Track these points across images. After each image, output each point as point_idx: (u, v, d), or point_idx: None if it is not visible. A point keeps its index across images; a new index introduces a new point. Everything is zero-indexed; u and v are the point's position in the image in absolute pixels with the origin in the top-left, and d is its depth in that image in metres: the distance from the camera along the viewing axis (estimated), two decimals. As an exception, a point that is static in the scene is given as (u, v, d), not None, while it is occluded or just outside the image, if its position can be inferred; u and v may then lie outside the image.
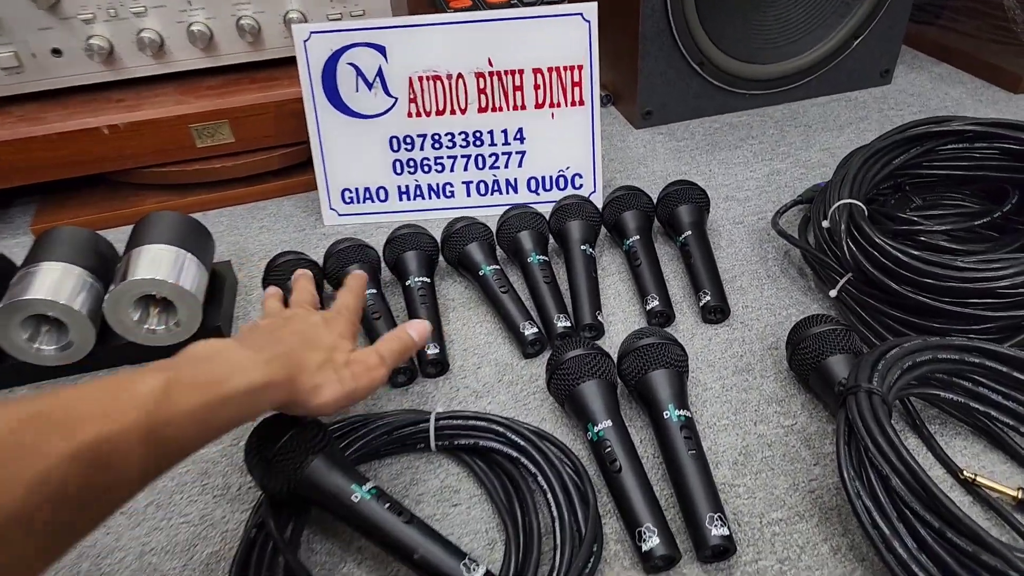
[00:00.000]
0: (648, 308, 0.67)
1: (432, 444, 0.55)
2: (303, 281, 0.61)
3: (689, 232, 0.73)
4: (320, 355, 0.47)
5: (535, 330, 0.64)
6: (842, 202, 0.63)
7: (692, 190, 0.76)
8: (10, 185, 0.87)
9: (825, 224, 0.65)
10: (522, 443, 0.53)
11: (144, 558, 0.50)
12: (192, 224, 0.72)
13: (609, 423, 0.52)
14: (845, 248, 0.60)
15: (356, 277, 0.60)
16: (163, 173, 0.91)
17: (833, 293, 0.64)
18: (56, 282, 0.63)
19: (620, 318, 0.69)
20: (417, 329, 0.55)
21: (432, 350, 0.63)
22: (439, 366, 0.64)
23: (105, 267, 0.68)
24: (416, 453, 0.56)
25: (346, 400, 0.47)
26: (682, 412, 0.53)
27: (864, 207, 0.62)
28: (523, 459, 0.52)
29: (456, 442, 0.55)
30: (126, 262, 0.65)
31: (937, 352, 0.51)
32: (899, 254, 0.57)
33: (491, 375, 0.63)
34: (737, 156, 0.94)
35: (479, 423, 0.55)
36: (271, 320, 0.52)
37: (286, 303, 0.59)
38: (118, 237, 0.73)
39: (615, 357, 0.59)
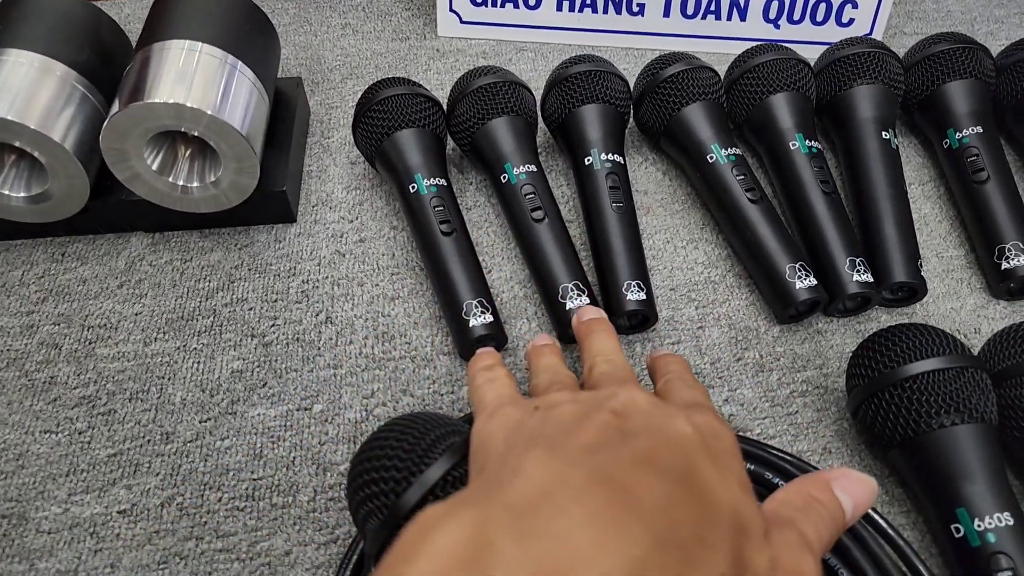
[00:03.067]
0: (1005, 267, 0.39)
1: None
2: (552, 356, 0.30)
3: (1072, 133, 0.42)
4: (723, 558, 0.19)
5: (810, 282, 0.37)
6: None
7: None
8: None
9: None
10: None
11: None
12: (249, 9, 0.44)
13: (1009, 520, 0.27)
14: None
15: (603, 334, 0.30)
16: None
17: None
18: (26, 90, 0.38)
19: (936, 271, 0.41)
20: (856, 493, 0.23)
21: (635, 294, 0.37)
22: (639, 318, 0.38)
23: (109, 67, 0.42)
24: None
25: None
26: None
27: None
28: (842, 571, 0.28)
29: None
30: (138, 68, 0.38)
31: None
32: None
33: (724, 345, 0.38)
34: (1084, 2, 0.59)
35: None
36: (604, 414, 0.22)
37: None
38: (136, 12, 0.46)
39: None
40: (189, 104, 0.36)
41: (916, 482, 0.30)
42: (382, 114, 0.42)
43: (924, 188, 0.45)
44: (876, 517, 0.29)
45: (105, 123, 0.37)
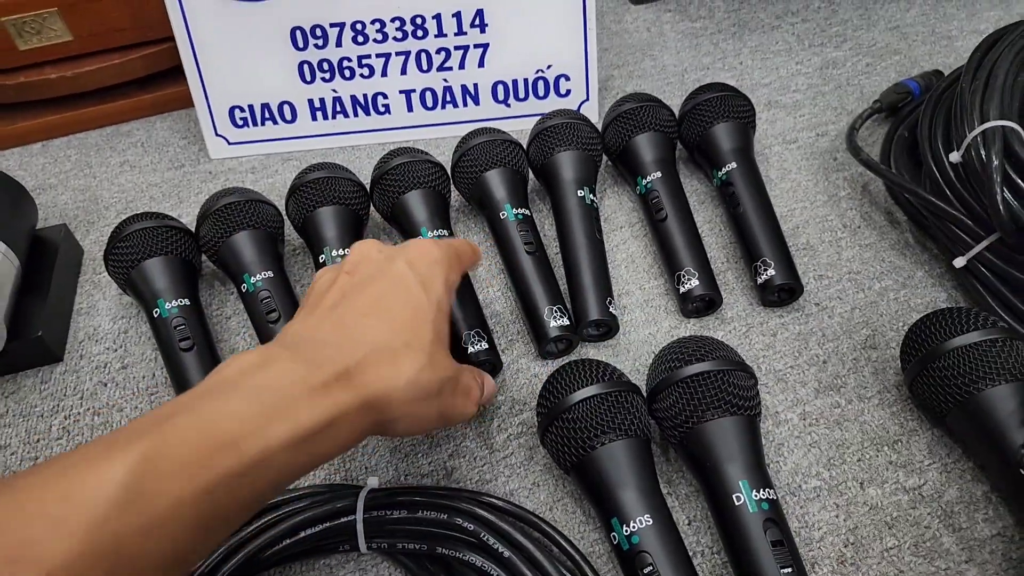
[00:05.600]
0: (683, 290, 0.45)
1: (362, 544, 0.35)
2: None
3: (732, 165, 0.50)
4: (418, 360, 0.29)
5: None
6: (990, 125, 0.40)
7: (732, 99, 0.52)
8: None
9: (955, 158, 0.43)
10: (505, 553, 0.33)
11: None
12: (-9, 178, 0.47)
13: (648, 520, 0.32)
14: (998, 197, 0.39)
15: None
16: (-21, 88, 0.63)
17: (960, 262, 0.43)
18: None
19: (638, 302, 0.47)
20: (488, 388, 0.38)
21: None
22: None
23: None
24: (339, 556, 0.36)
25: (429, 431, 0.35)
26: (763, 494, 0.33)
27: (1022, 132, 0.40)
28: (508, 581, 0.32)
29: (400, 544, 0.35)
30: None
31: None
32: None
33: (453, 401, 0.42)
34: (776, 41, 0.69)
35: (434, 515, 0.34)
36: (342, 276, 0.32)
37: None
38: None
39: (642, 385, 0.39)
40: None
41: (588, 498, 0.35)
42: (130, 245, 0.45)
43: (632, 229, 0.52)
44: (557, 536, 0.34)
45: None
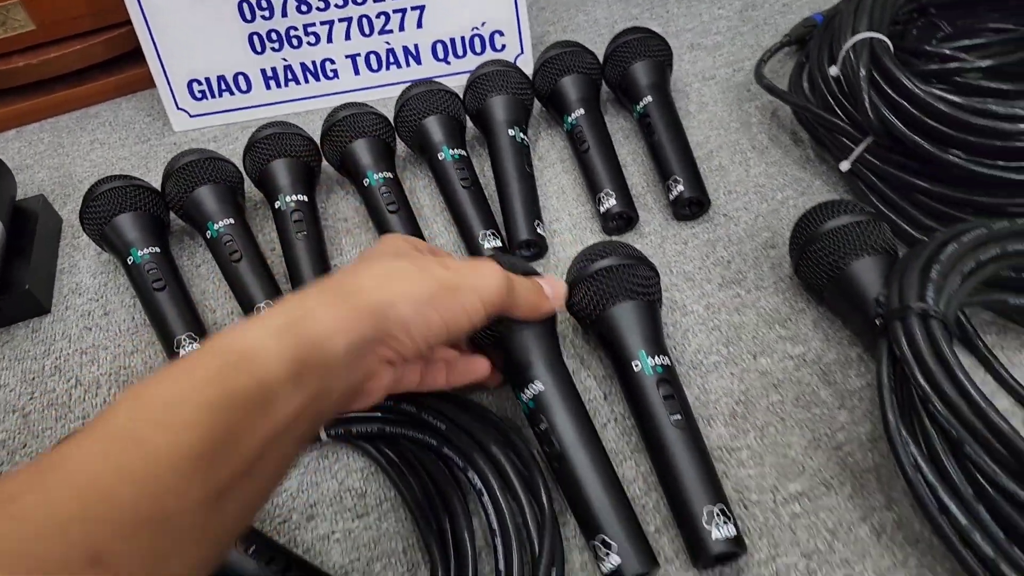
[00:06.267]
0: (603, 210, 0.50)
1: (322, 434, 0.40)
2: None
3: (648, 98, 0.55)
4: (410, 271, 0.32)
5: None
6: (859, 37, 0.45)
7: (648, 40, 0.57)
8: None
9: (834, 71, 0.48)
10: (443, 427, 0.38)
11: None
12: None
13: (541, 387, 0.37)
14: (867, 102, 0.44)
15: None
16: (-49, 80, 0.68)
17: (845, 166, 0.48)
18: None
19: (567, 226, 0.52)
20: (553, 286, 0.39)
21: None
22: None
23: None
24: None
25: (444, 302, 0.32)
26: (657, 360, 0.38)
27: (889, 43, 0.45)
28: (446, 449, 0.38)
29: (354, 428, 0.40)
30: None
31: (1007, 243, 0.36)
32: (942, 105, 0.41)
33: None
34: (700, -10, 0.74)
35: (382, 403, 0.39)
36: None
37: None
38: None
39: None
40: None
41: (506, 373, 0.40)
42: (102, 204, 0.50)
43: (564, 165, 0.57)
44: (482, 410, 0.39)
45: None
